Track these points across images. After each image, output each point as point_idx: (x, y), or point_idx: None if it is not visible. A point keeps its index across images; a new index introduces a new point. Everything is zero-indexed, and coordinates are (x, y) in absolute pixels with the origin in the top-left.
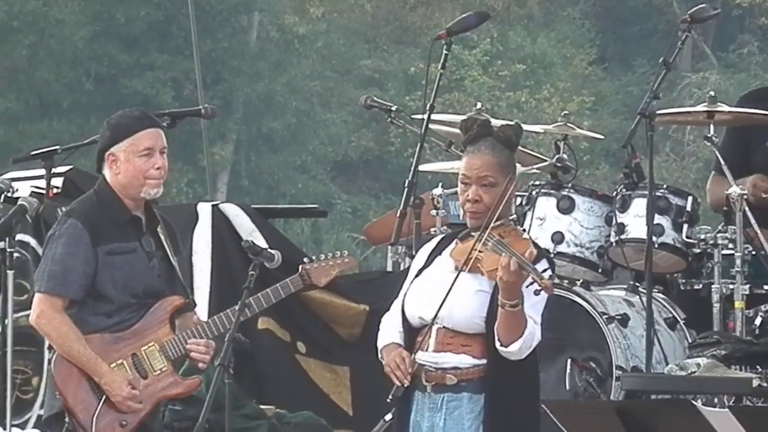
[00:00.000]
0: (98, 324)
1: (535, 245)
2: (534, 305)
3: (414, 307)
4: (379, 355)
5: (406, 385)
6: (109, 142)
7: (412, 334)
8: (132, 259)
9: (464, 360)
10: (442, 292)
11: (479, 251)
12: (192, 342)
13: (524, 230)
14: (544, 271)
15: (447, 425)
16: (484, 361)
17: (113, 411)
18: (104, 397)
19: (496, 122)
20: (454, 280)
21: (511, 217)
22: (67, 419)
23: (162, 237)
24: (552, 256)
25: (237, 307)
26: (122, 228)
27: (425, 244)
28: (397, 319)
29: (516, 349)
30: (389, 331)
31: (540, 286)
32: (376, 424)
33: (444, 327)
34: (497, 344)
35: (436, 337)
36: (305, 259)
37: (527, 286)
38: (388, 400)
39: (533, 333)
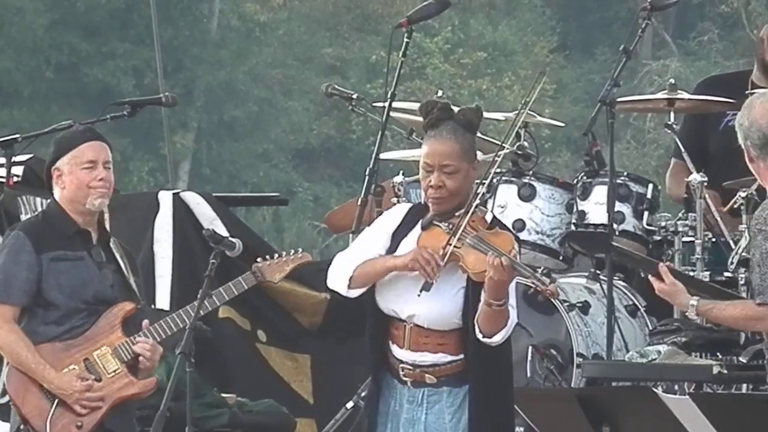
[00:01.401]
0: (49, 333)
1: (501, 224)
2: (510, 289)
3: (388, 301)
4: (353, 280)
5: (433, 282)
6: (53, 158)
7: (384, 322)
8: (79, 265)
9: (442, 358)
10: (415, 288)
11: (455, 246)
12: (139, 341)
13: (486, 210)
14: (541, 276)
15: (428, 420)
16: (462, 356)
17: (68, 413)
18: (56, 400)
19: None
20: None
21: (476, 202)
22: (21, 427)
23: (116, 252)
24: None
25: (189, 307)
26: (69, 239)
27: (385, 216)
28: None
29: (499, 339)
30: (356, 262)
31: (543, 292)
32: (336, 412)
33: (418, 326)
34: (478, 335)
35: (411, 335)
36: (258, 259)
37: (529, 293)
38: (418, 295)
39: (513, 319)
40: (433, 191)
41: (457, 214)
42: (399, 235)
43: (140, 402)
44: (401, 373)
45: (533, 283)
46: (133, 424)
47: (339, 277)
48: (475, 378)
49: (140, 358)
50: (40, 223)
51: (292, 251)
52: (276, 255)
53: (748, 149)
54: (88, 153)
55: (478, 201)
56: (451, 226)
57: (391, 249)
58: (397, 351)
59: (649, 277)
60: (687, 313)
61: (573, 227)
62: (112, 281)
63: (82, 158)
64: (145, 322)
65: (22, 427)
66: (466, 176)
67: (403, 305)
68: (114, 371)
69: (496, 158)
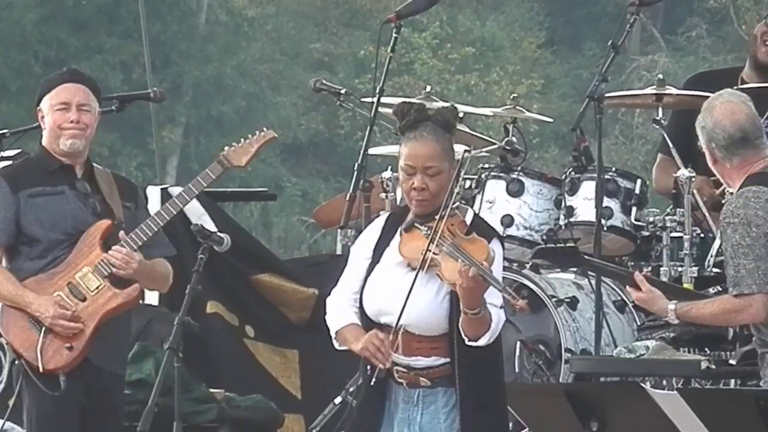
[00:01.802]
0: (34, 267)
1: (482, 224)
2: (492, 292)
3: (374, 308)
4: (335, 338)
5: (387, 367)
6: (37, 99)
7: (374, 326)
8: (58, 199)
9: (435, 361)
10: (401, 294)
11: (434, 253)
12: (111, 252)
13: (467, 209)
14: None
15: (424, 419)
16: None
17: (57, 339)
18: (43, 328)
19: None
20: (411, 288)
21: (455, 204)
22: (16, 362)
23: (100, 182)
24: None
25: (162, 210)
26: (51, 174)
27: (364, 233)
28: (349, 302)
29: (485, 342)
30: (345, 313)
31: (514, 307)
32: (325, 407)
33: (410, 332)
34: (465, 340)
35: (404, 341)
36: (225, 147)
37: (501, 307)
38: (372, 383)
39: (498, 319)
40: (417, 193)
41: (437, 216)
42: (381, 246)
43: (128, 397)
44: (396, 375)
45: (504, 296)
46: (118, 360)
47: (331, 328)
48: (464, 380)
49: (113, 269)
50: (19, 165)
51: (257, 132)
52: (241, 139)
53: (712, 151)
54: (62, 94)
55: (455, 204)
56: (430, 230)
57: (374, 262)
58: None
59: (627, 287)
60: (667, 318)
61: (559, 225)
62: (99, 210)
63: (56, 99)
64: (121, 233)
65: (16, 362)
66: (447, 177)
67: (391, 315)
68: (96, 288)
69: (466, 158)
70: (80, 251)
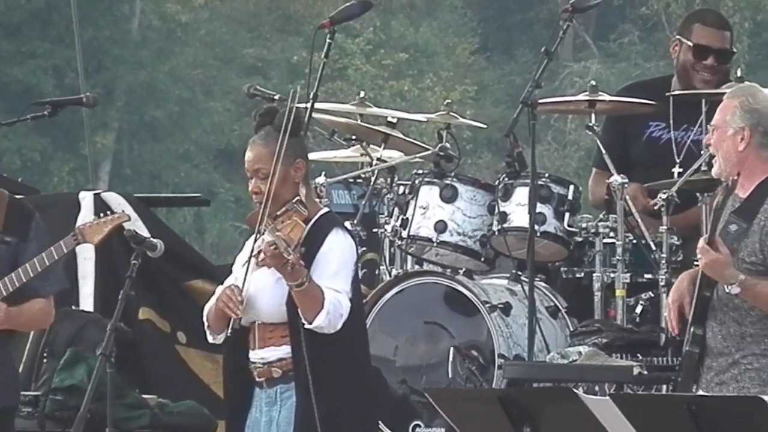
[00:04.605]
0: None
1: (330, 217)
2: (334, 275)
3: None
4: (206, 327)
5: (240, 316)
6: None
7: (241, 333)
8: None
9: (287, 350)
10: (251, 288)
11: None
12: None
13: (306, 207)
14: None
15: (281, 417)
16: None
17: None
18: None
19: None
20: (244, 280)
21: (294, 200)
22: None
23: None
24: (434, 244)
25: (31, 265)
26: None
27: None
28: None
29: (324, 323)
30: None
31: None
32: None
33: (262, 323)
34: (306, 324)
35: (258, 333)
36: (79, 223)
37: (347, 295)
38: (228, 334)
39: (337, 302)
40: (255, 197)
41: (278, 213)
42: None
43: (61, 404)
44: (255, 373)
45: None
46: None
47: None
48: (300, 366)
49: None
50: None
51: (109, 212)
52: (95, 217)
53: (753, 133)
54: None
55: (296, 199)
56: (266, 226)
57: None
58: (250, 354)
59: (701, 244)
60: (729, 288)
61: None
62: None
63: None
64: None
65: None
66: (284, 179)
67: (243, 309)
68: None
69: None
70: None
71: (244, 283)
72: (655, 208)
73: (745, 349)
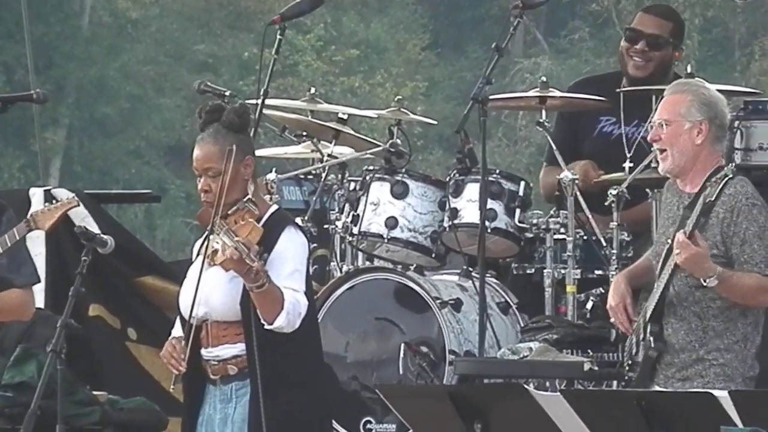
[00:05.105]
0: None
1: (281, 215)
2: (290, 275)
3: (182, 305)
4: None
5: (183, 371)
6: None
7: (192, 329)
8: None
9: (242, 348)
10: (200, 287)
11: (218, 242)
12: None
13: (256, 206)
14: (263, 252)
15: (236, 414)
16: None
17: None
18: None
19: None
20: (199, 277)
21: (245, 199)
22: None
23: None
24: (385, 240)
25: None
26: None
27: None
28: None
29: (284, 324)
30: (176, 326)
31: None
32: None
33: (216, 321)
34: (266, 325)
35: (212, 331)
36: (32, 210)
37: (305, 294)
38: (171, 389)
39: (296, 302)
40: (204, 195)
41: (229, 212)
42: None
43: (10, 400)
44: (209, 371)
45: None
46: None
47: None
48: (252, 364)
49: None
50: None
51: (64, 198)
52: (46, 203)
53: (710, 126)
54: None
55: (246, 198)
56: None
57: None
58: (203, 351)
59: (680, 239)
60: (707, 282)
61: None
62: None
63: None
64: None
65: None
66: (234, 177)
67: (196, 307)
68: None
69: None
70: None
71: (198, 283)
72: (606, 204)
73: (709, 344)
